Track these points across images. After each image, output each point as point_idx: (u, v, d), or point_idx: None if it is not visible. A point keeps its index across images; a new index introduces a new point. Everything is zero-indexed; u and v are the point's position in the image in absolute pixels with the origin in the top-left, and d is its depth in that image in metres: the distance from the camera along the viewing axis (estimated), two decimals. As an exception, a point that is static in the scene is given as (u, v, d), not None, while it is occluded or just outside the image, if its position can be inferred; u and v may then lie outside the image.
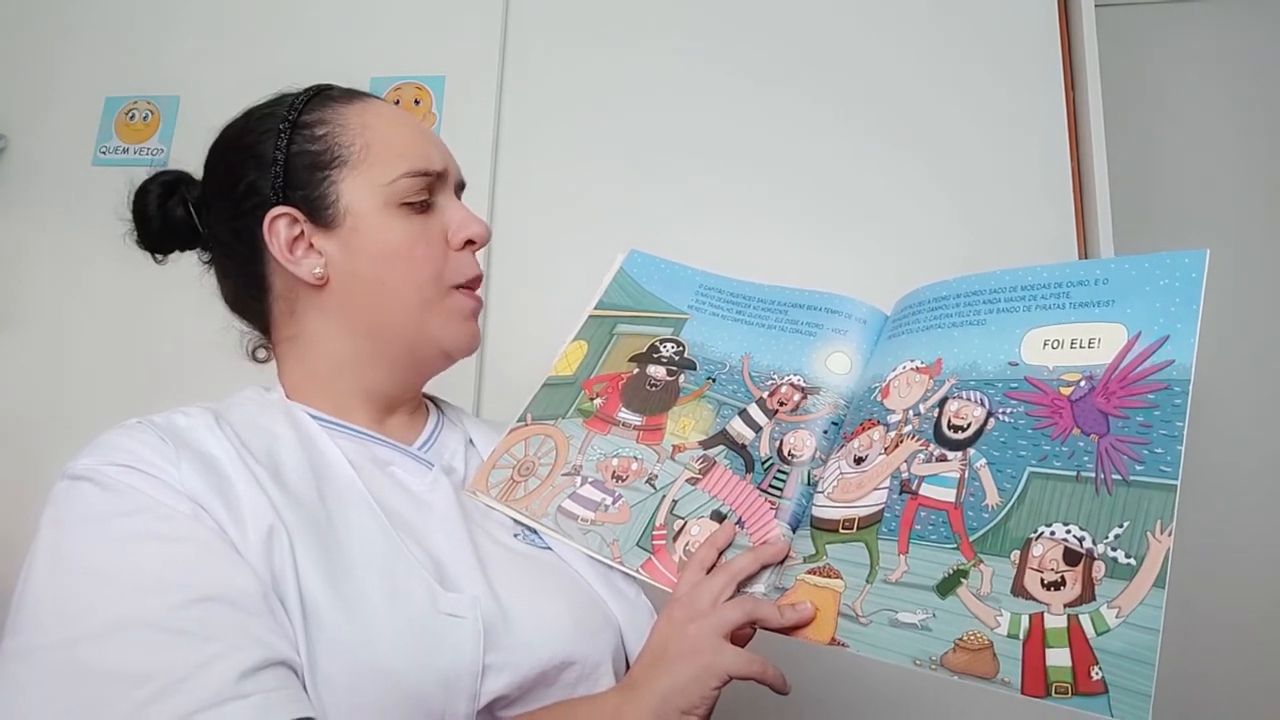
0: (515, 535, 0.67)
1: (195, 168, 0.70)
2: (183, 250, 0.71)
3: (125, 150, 1.41)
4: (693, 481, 0.67)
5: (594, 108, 1.35)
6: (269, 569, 0.50)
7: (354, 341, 0.66)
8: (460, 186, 0.72)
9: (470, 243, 0.69)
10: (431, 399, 0.78)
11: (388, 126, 0.66)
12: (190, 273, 0.72)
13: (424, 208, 0.66)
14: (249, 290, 0.68)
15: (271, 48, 1.42)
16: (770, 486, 0.64)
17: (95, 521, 0.49)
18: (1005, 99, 1.26)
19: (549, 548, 0.67)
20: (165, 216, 0.69)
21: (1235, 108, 1.45)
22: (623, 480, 0.68)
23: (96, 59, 1.45)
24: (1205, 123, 1.45)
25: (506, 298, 1.30)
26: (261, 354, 0.72)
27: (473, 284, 0.69)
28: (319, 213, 0.63)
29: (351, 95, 0.68)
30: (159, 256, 0.72)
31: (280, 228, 0.63)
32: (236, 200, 0.65)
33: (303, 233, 0.64)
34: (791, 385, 0.69)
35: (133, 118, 1.42)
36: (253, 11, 1.44)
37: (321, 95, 0.67)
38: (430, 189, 0.66)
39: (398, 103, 1.36)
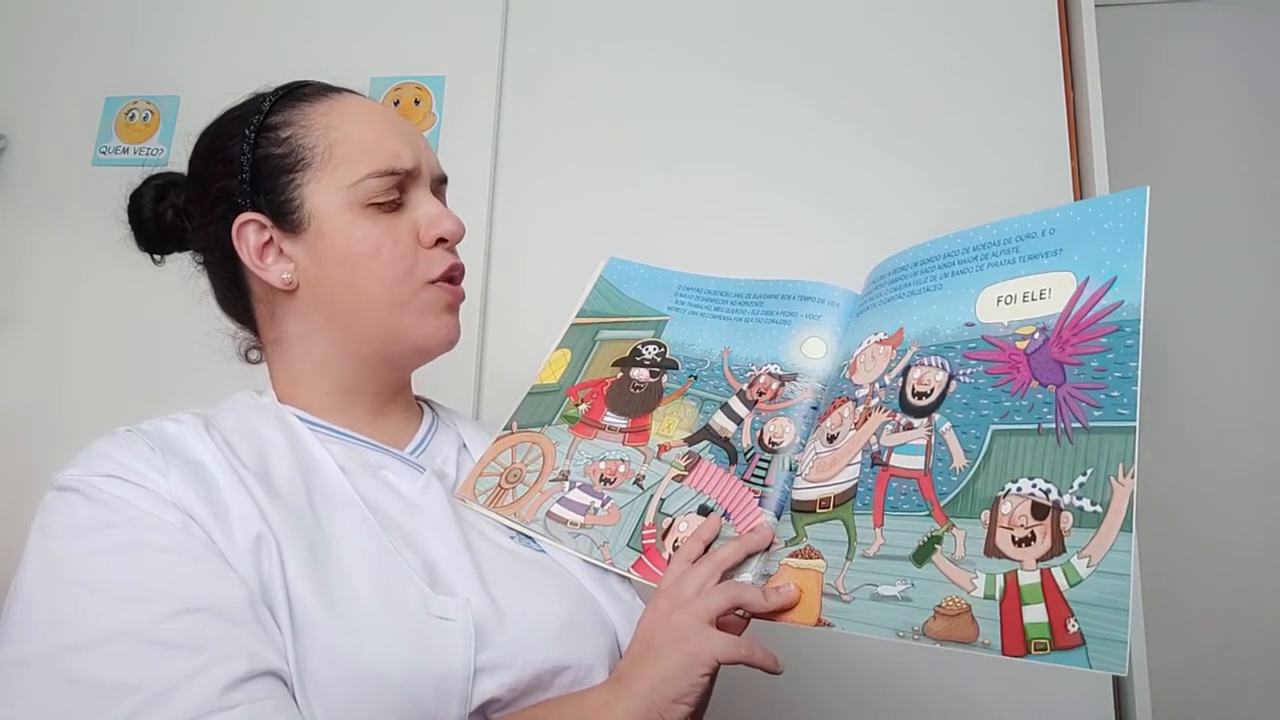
0: (511, 537, 0.67)
1: (194, 169, 0.70)
2: (179, 251, 0.71)
3: (125, 150, 1.41)
4: (679, 479, 0.67)
5: (594, 107, 1.35)
6: (257, 576, 0.50)
7: (330, 343, 0.65)
8: (441, 181, 0.70)
9: (443, 240, 0.66)
10: (426, 401, 0.77)
11: (354, 125, 0.64)
12: (188, 273, 0.71)
13: (393, 207, 0.64)
14: (233, 293, 0.68)
15: (271, 48, 1.42)
16: (753, 476, 0.64)
17: (83, 533, 0.49)
18: (1005, 99, 1.26)
19: (545, 551, 0.67)
20: (158, 219, 0.69)
21: (1235, 108, 1.44)
22: (611, 483, 0.68)
23: (96, 59, 1.45)
24: (1205, 123, 1.44)
25: (506, 298, 1.30)
26: (254, 355, 0.72)
27: (450, 277, 0.67)
28: (285, 218, 0.62)
29: (323, 92, 0.66)
30: (158, 258, 0.72)
31: (249, 234, 0.63)
32: (209, 205, 0.64)
33: (271, 239, 0.63)
34: (769, 374, 0.69)
35: (133, 118, 1.42)
36: (253, 11, 1.44)
37: (291, 94, 0.66)
38: (401, 187, 0.64)
39: (397, 103, 1.36)
